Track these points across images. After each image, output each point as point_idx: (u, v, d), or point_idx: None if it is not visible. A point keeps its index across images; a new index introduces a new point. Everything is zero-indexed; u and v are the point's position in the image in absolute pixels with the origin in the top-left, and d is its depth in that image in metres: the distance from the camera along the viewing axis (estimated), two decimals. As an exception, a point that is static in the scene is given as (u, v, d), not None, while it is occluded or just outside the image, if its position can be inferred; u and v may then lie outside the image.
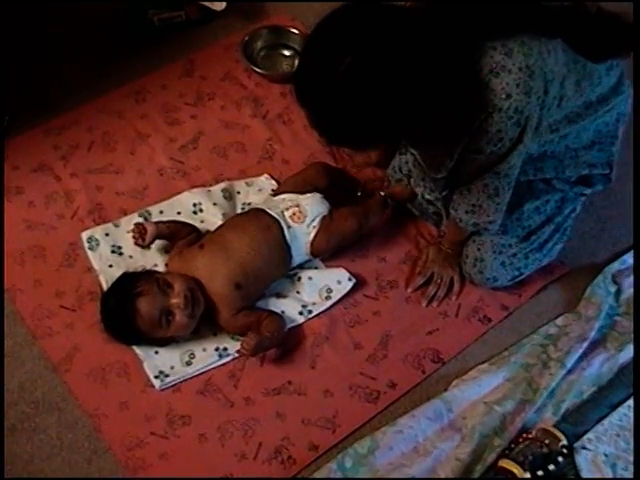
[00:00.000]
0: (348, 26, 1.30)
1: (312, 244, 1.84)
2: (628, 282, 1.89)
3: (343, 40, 1.29)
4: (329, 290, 1.85)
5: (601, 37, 1.47)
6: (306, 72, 1.35)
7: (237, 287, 1.73)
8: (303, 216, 1.84)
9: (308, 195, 1.89)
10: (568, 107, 1.56)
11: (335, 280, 1.86)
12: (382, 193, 1.97)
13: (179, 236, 1.85)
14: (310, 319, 1.82)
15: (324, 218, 1.86)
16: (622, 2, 1.88)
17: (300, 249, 1.84)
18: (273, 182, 2.05)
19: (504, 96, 1.39)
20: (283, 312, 1.80)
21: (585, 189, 1.83)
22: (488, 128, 1.43)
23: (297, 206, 1.86)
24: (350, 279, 1.86)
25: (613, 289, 1.88)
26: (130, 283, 1.69)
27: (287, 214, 1.84)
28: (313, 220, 1.85)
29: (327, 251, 1.88)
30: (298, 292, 1.85)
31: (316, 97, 1.34)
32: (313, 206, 1.87)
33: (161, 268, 1.85)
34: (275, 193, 1.95)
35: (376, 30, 1.28)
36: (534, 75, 1.40)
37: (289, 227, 1.82)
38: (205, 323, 1.77)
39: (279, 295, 1.84)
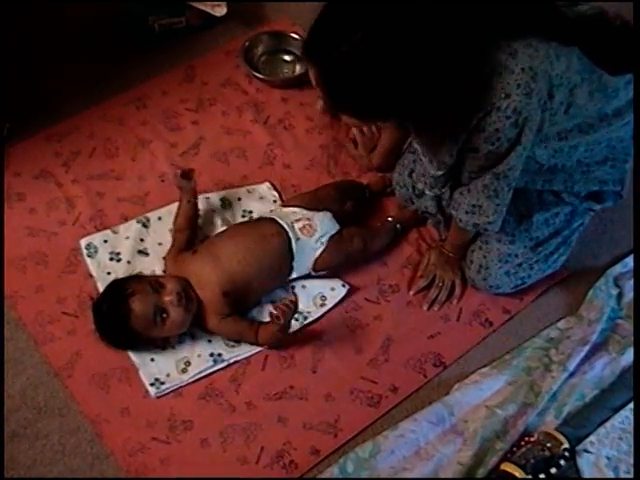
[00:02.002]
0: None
1: (317, 260, 1.84)
2: (630, 285, 1.89)
3: (357, 14, 1.30)
4: (323, 297, 1.84)
5: (620, 50, 1.46)
6: (318, 37, 1.36)
7: (225, 295, 1.73)
8: (313, 230, 1.84)
9: (320, 212, 1.88)
10: (578, 116, 1.55)
11: (328, 287, 1.86)
12: (390, 219, 1.97)
13: (187, 224, 1.88)
14: (309, 324, 1.81)
15: (333, 237, 1.85)
16: (622, 2, 1.88)
17: (304, 262, 1.83)
18: (275, 193, 2.05)
19: (503, 95, 1.39)
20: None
21: (595, 205, 1.82)
22: (486, 127, 1.44)
23: (308, 219, 1.85)
24: (344, 285, 1.86)
25: (615, 292, 1.88)
26: (122, 286, 1.70)
27: (297, 226, 1.83)
28: (322, 236, 1.84)
29: (330, 269, 1.87)
30: None
31: (323, 62, 1.36)
32: (324, 223, 1.86)
33: (159, 273, 1.85)
34: (284, 205, 1.94)
35: (389, 9, 1.29)
36: (537, 77, 1.39)
37: (297, 239, 1.81)
38: (200, 331, 1.77)
39: (274, 302, 1.82)
